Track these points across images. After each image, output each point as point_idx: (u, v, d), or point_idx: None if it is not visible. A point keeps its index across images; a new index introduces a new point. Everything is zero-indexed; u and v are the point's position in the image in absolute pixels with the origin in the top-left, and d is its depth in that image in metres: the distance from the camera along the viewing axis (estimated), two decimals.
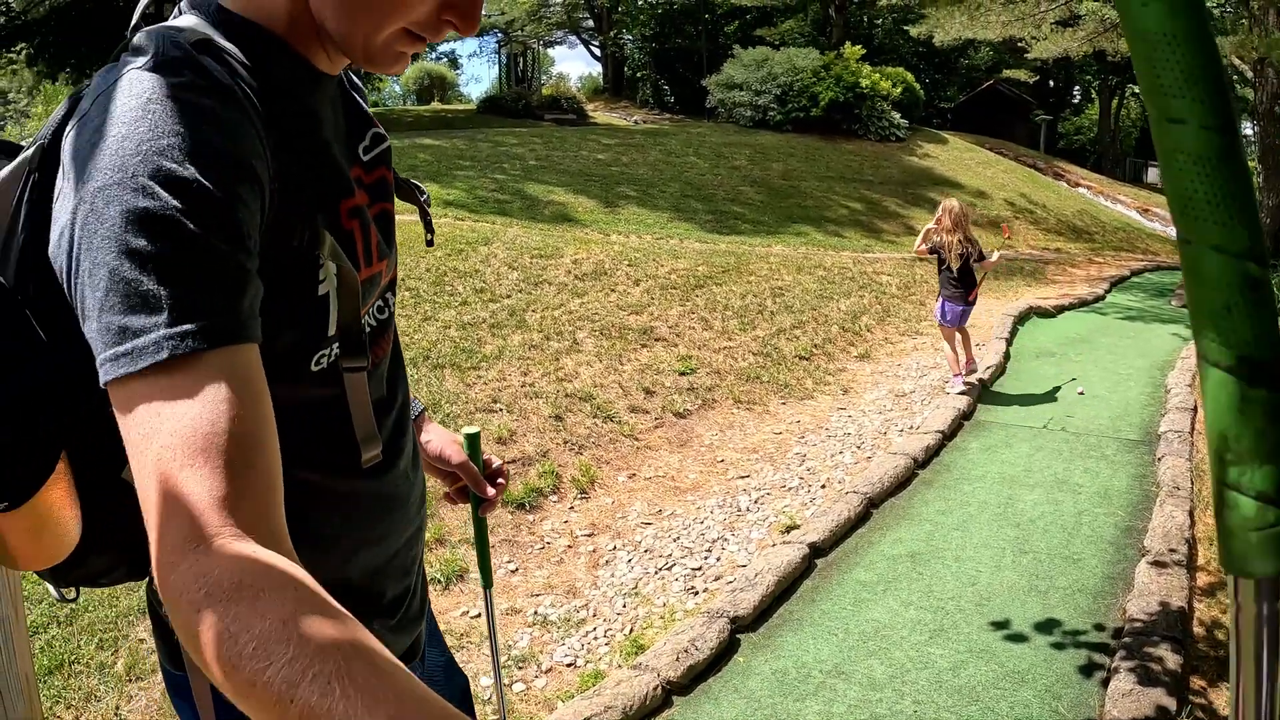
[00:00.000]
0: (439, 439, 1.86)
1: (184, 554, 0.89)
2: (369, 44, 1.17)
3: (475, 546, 2.16)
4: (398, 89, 59.26)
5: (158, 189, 0.98)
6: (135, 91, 1.03)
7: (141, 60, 1.07)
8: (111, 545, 1.26)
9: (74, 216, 1.00)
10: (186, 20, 1.17)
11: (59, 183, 1.05)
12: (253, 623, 0.82)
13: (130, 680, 3.96)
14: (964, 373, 8.77)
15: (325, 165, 1.25)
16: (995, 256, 9.06)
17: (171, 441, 0.93)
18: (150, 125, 1.01)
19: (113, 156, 0.99)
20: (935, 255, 8.79)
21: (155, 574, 0.91)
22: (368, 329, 1.36)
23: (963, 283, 8.63)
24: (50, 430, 1.14)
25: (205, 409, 0.95)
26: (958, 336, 8.84)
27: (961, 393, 8.46)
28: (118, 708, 3.82)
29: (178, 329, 0.96)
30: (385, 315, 1.45)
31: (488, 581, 2.16)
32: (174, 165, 1.00)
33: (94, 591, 4.41)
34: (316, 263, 1.19)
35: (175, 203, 0.98)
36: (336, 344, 1.26)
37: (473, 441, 1.89)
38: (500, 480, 1.91)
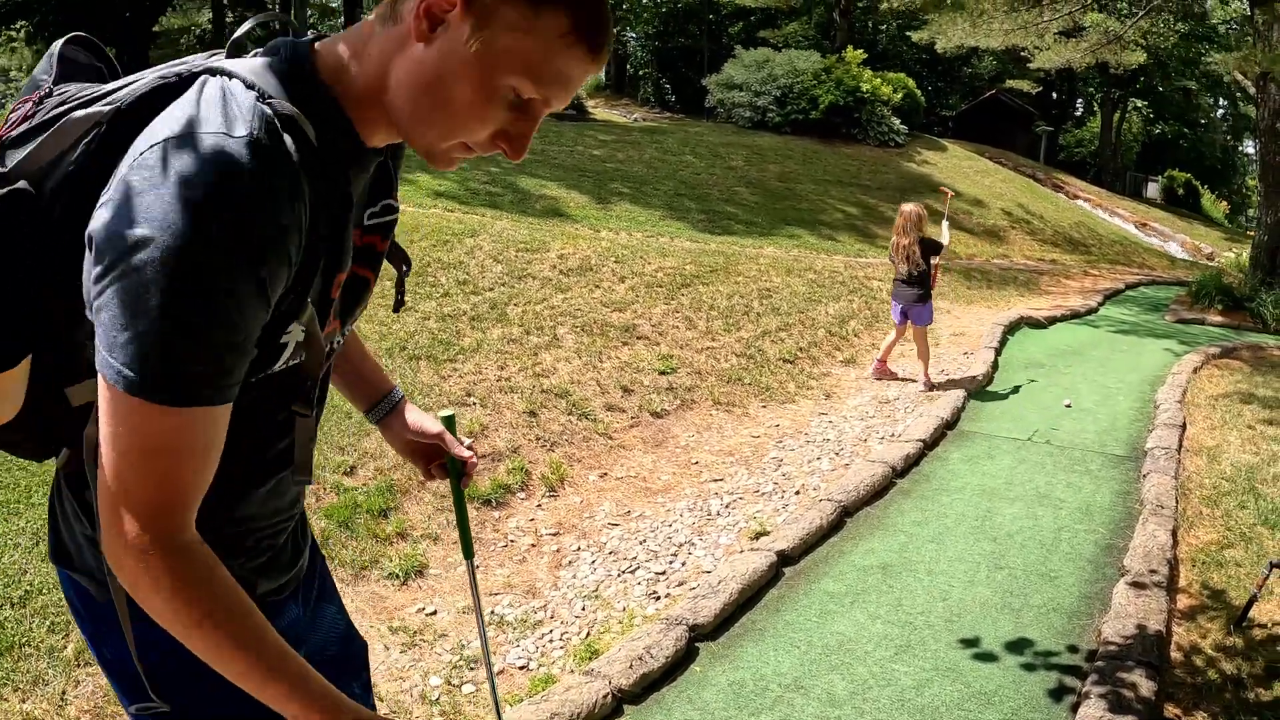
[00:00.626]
0: (417, 415, 2.01)
1: (149, 540, 1.24)
2: (431, 148, 1.37)
3: (456, 518, 2.21)
4: None
5: (210, 267, 1.15)
6: (222, 163, 1.16)
7: (241, 130, 1.20)
8: (33, 430, 1.49)
9: (133, 241, 1.14)
10: (278, 70, 1.32)
11: (124, 172, 1.19)
12: (220, 601, 1.28)
13: (79, 665, 3.85)
14: (925, 379, 9.09)
15: (338, 245, 1.39)
16: (945, 235, 9.29)
17: (145, 460, 1.23)
18: (226, 210, 1.15)
19: (184, 216, 1.14)
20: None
21: (109, 539, 1.26)
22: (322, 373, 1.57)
23: (910, 282, 8.87)
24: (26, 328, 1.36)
25: (170, 442, 1.22)
26: (908, 335, 9.20)
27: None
28: (64, 692, 3.72)
29: (176, 386, 1.19)
30: (332, 359, 1.63)
31: (469, 552, 2.18)
32: (230, 249, 1.16)
33: (50, 574, 4.31)
34: (289, 321, 1.34)
35: (219, 284, 1.16)
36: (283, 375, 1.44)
37: (449, 422, 2.03)
38: (472, 455, 2.04)
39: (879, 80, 27.87)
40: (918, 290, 8.79)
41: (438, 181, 14.25)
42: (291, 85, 1.31)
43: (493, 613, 4.73)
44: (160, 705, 1.54)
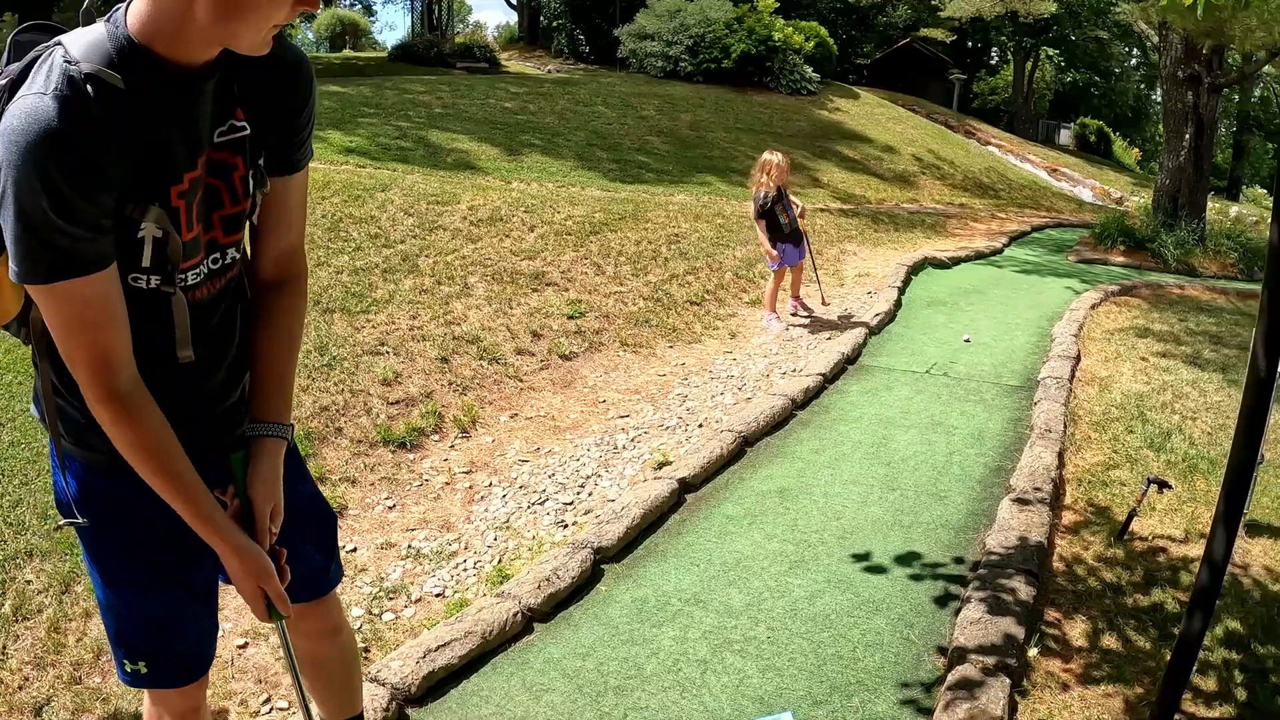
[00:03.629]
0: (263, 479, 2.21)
1: (97, 393, 1.82)
2: (252, 45, 1.76)
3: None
4: (310, 36, 58.00)
5: (40, 193, 1.61)
6: (39, 118, 1.60)
7: (49, 88, 1.63)
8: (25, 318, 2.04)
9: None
10: (94, 36, 1.71)
11: None
12: (157, 436, 1.89)
13: (16, 620, 3.93)
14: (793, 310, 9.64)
15: (164, 164, 1.81)
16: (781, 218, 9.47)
17: (68, 332, 1.78)
18: (44, 148, 1.60)
19: (13, 151, 1.60)
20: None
21: (84, 395, 1.85)
22: (203, 273, 2.01)
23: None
24: None
25: (72, 312, 1.75)
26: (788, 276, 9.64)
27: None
28: (4, 647, 3.80)
29: (41, 268, 1.69)
30: (219, 265, 2.06)
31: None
32: (55, 179, 1.61)
33: None
34: (139, 221, 1.81)
35: (49, 202, 1.62)
36: (155, 276, 1.88)
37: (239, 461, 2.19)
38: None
39: (791, 29, 28.02)
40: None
41: (348, 138, 14.18)
42: (111, 44, 1.69)
43: (409, 546, 4.88)
44: (79, 519, 2.10)
